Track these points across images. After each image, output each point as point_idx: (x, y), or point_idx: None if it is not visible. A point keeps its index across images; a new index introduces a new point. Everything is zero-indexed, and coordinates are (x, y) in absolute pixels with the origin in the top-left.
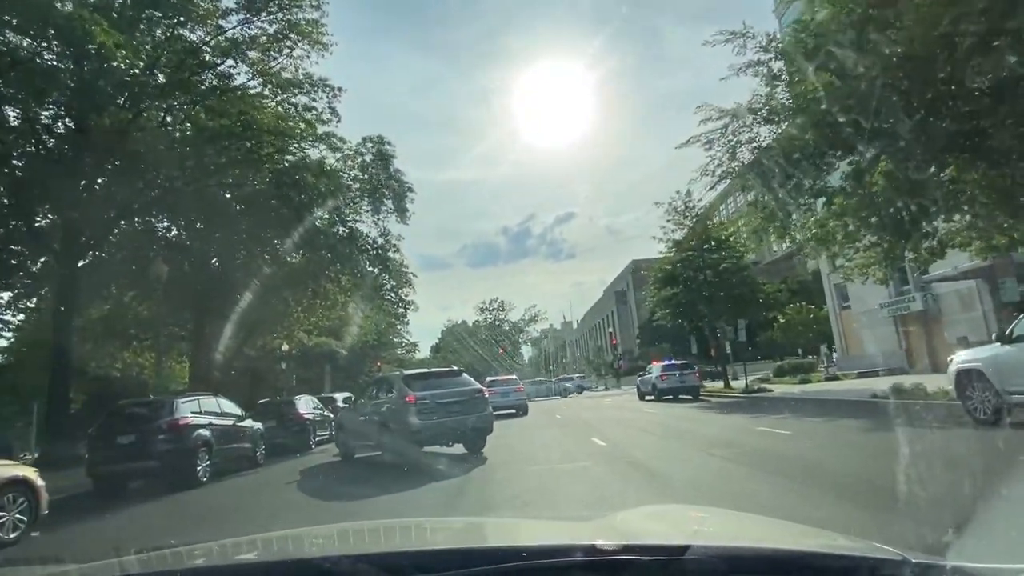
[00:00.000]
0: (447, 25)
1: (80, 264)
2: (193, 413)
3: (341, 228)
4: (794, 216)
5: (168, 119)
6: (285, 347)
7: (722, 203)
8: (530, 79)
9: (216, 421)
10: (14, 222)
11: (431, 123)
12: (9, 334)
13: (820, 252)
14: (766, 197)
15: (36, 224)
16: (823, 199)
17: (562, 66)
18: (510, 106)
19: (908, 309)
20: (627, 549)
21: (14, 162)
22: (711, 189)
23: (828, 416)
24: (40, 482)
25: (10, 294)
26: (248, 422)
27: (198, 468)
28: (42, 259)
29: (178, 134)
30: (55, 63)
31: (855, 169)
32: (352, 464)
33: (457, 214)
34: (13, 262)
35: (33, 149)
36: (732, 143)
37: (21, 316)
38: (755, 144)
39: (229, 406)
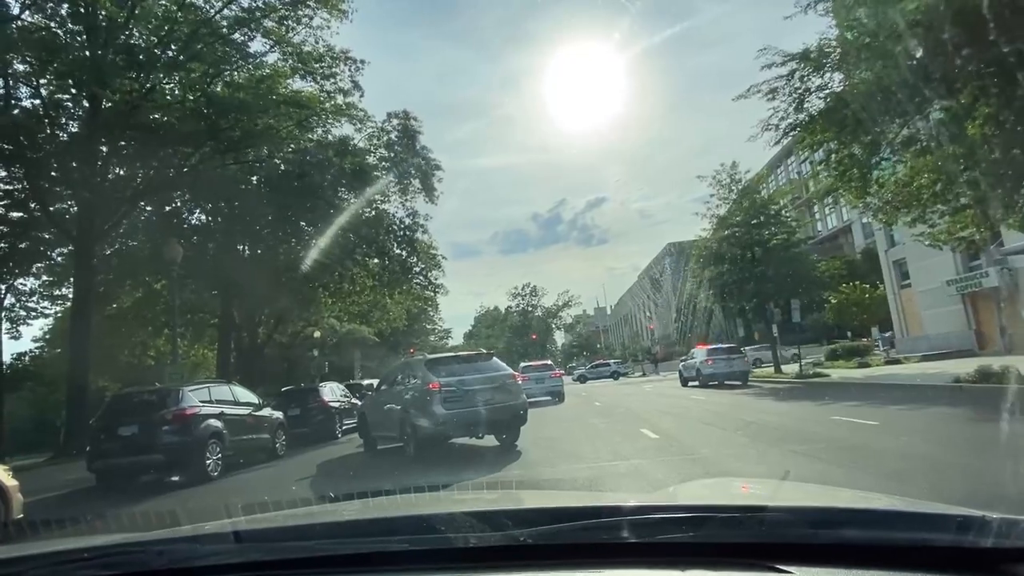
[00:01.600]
0: (472, 10)
1: (97, 247)
2: (202, 402)
3: (367, 209)
4: (873, 174)
5: (179, 93)
6: (316, 334)
7: (771, 174)
8: (558, 61)
9: (229, 410)
10: (32, 205)
11: (459, 110)
12: (41, 322)
13: (896, 217)
14: (843, 151)
15: (52, 208)
16: (908, 152)
17: (591, 47)
18: (538, 90)
19: (980, 286)
20: (708, 508)
21: (29, 147)
22: (775, 144)
23: (912, 404)
24: (10, 483)
25: (36, 281)
26: (266, 411)
27: (207, 461)
28: (61, 248)
29: (191, 106)
30: (64, 35)
31: (952, 112)
32: (374, 457)
33: (487, 201)
34: (34, 248)
35: (48, 131)
36: (799, 91)
37: (54, 307)
38: (828, 91)
39: (244, 394)
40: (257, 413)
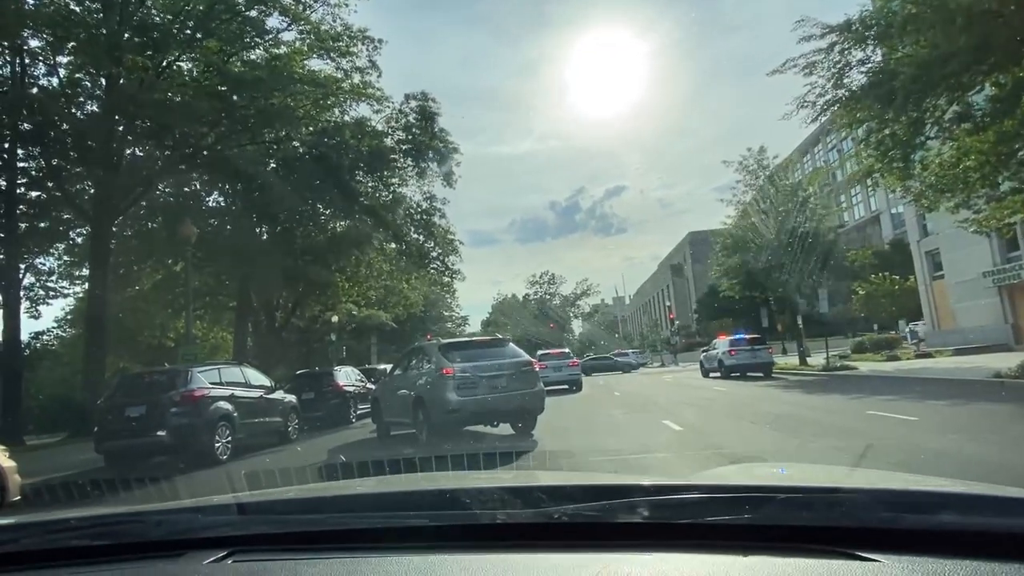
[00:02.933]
0: None
1: (114, 227)
2: (212, 384)
3: (384, 192)
4: (917, 155)
5: (194, 70)
6: (334, 318)
7: (799, 161)
8: (578, 49)
9: (240, 393)
10: (49, 184)
11: (478, 97)
12: (62, 302)
13: (939, 202)
14: (884, 131)
15: (69, 188)
16: (957, 130)
17: (611, 34)
18: (558, 76)
19: (1019, 277)
20: (772, 488)
21: (46, 125)
22: (812, 122)
23: (950, 399)
24: (7, 464)
25: (56, 261)
26: (279, 394)
27: (216, 444)
28: (81, 229)
29: (206, 84)
30: (82, 12)
31: (1013, 84)
32: (386, 443)
33: (505, 189)
34: (54, 228)
35: (66, 109)
36: (839, 65)
37: (73, 287)
38: (870, 65)
39: (256, 376)
40: (269, 396)
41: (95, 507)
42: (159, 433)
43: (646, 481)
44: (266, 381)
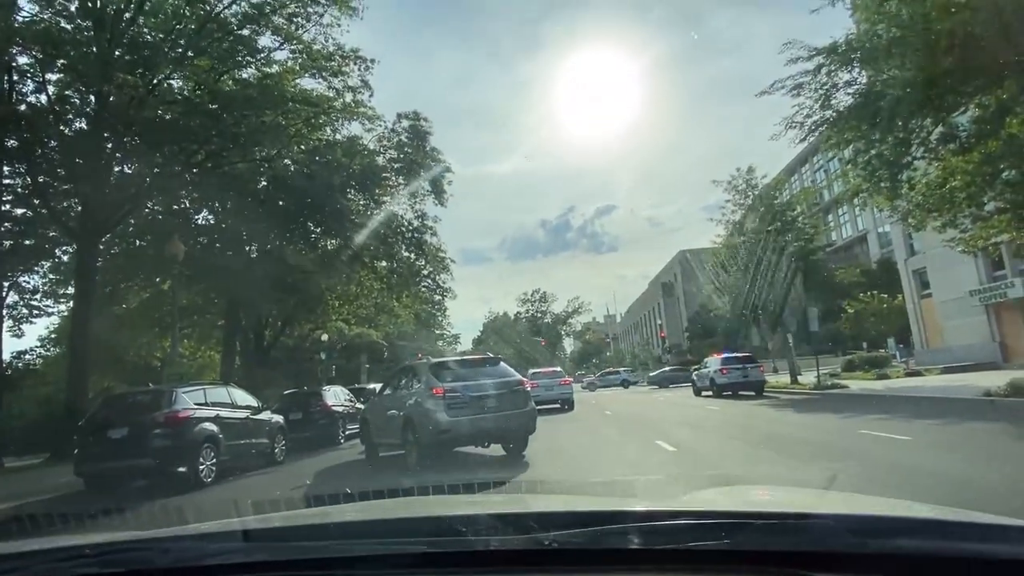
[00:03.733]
0: (486, 15)
1: (101, 245)
2: (197, 404)
3: (375, 210)
4: (903, 175)
5: (184, 88)
6: (324, 337)
7: (787, 180)
8: (570, 69)
9: (225, 413)
10: (36, 201)
11: (470, 116)
12: (46, 321)
13: (927, 221)
14: (871, 151)
15: (55, 205)
16: (943, 150)
17: (603, 55)
18: (549, 96)
19: (1005, 296)
20: (748, 514)
21: (32, 142)
22: (801, 142)
23: (942, 418)
24: None
25: (40, 280)
26: (265, 414)
27: (200, 467)
28: (67, 247)
29: (196, 101)
30: (73, 30)
31: (997, 106)
32: (375, 464)
33: (496, 207)
34: (39, 246)
35: (53, 126)
36: (826, 86)
37: (58, 305)
38: (856, 86)
39: (243, 397)
40: (256, 417)
41: (91, 534)
42: (142, 456)
43: (632, 507)
44: (253, 401)
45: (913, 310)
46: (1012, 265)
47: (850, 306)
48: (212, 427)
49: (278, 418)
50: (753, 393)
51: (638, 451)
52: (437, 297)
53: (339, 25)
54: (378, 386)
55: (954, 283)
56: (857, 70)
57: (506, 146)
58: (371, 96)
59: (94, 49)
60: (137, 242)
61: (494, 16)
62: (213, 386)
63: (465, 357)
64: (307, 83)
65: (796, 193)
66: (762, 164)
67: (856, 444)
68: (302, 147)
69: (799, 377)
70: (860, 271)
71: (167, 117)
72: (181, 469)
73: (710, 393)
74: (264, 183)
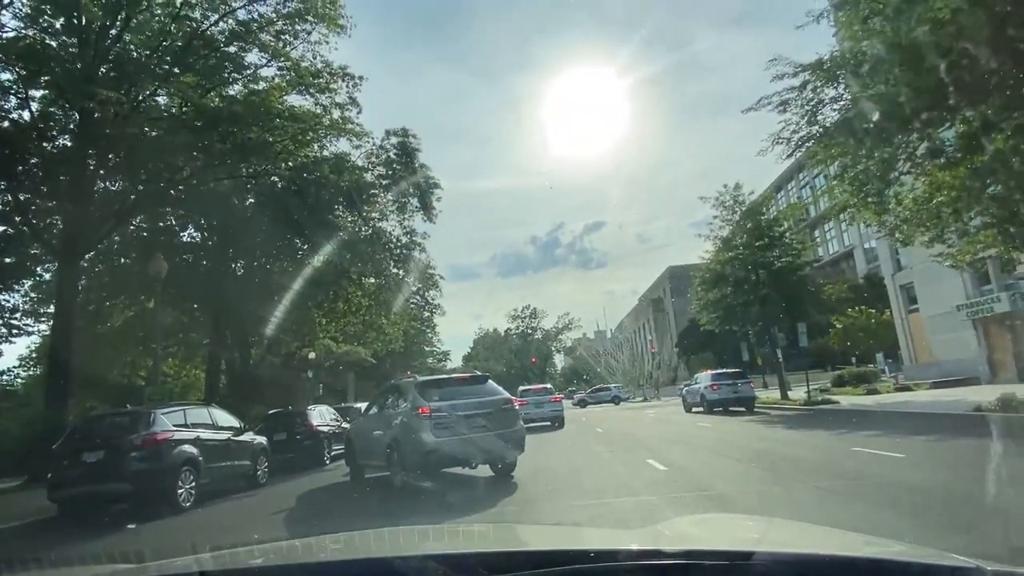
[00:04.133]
0: (476, 34)
1: (83, 263)
2: (177, 426)
3: (364, 227)
4: (891, 190)
5: (170, 104)
6: (311, 355)
7: (775, 196)
8: (559, 87)
9: (206, 435)
10: (17, 218)
11: (460, 133)
12: (26, 340)
13: (914, 236)
14: (858, 166)
15: (36, 222)
16: (930, 165)
17: (591, 73)
18: (538, 114)
19: (991, 311)
20: (691, 554)
21: (14, 159)
22: (788, 157)
23: (934, 434)
24: None
25: (22, 298)
26: (248, 436)
27: (179, 491)
28: (50, 264)
29: (181, 118)
30: (58, 47)
31: (982, 122)
32: (359, 487)
33: (486, 224)
34: (20, 263)
35: (36, 143)
36: (812, 102)
37: (39, 324)
38: (842, 102)
39: (224, 418)
40: (238, 438)
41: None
42: (118, 480)
43: (586, 546)
44: (235, 422)
45: (901, 325)
46: (998, 280)
47: (838, 321)
48: (192, 449)
49: (261, 439)
50: (744, 409)
51: (629, 471)
52: (426, 314)
53: (327, 42)
54: (364, 405)
55: (941, 298)
56: (843, 86)
57: (496, 163)
58: (359, 113)
59: (78, 65)
60: (122, 260)
61: (483, 36)
62: (194, 406)
63: (452, 375)
64: (295, 100)
65: (783, 209)
66: (748, 181)
67: (850, 462)
68: (290, 164)
69: (789, 393)
70: (848, 286)
71: (152, 134)
72: (159, 493)
73: (701, 409)
74: (251, 200)
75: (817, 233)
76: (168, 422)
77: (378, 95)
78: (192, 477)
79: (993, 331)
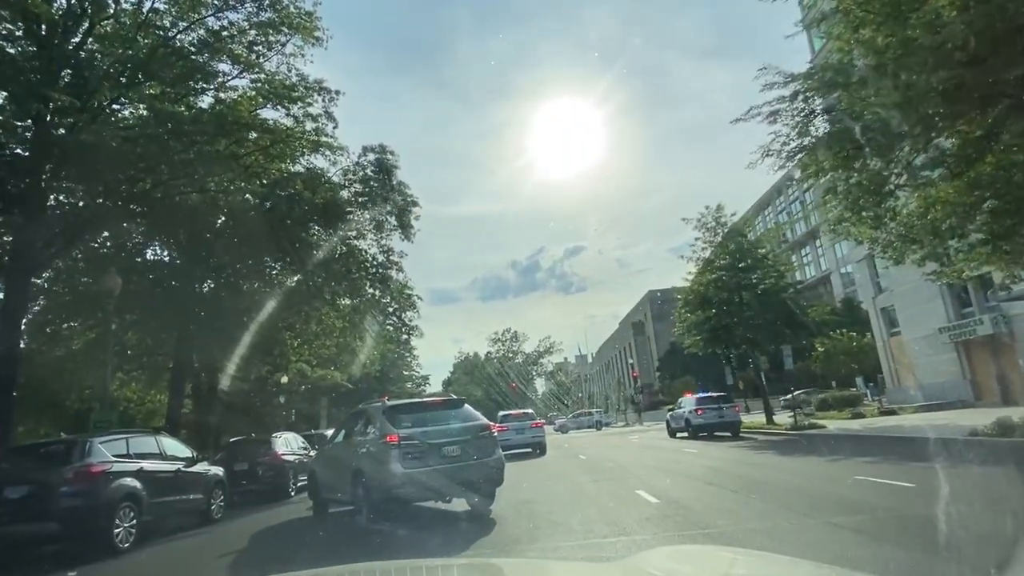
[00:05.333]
0: (457, 63)
1: (32, 279)
2: (117, 456)
3: (339, 245)
4: (887, 203)
5: (131, 111)
6: (284, 379)
7: (757, 217)
8: (539, 115)
9: (151, 466)
10: None
11: (441, 159)
12: None
13: (906, 254)
14: (851, 180)
15: None
16: (930, 176)
17: (570, 101)
18: (518, 141)
19: (974, 333)
20: None
21: None
22: (779, 170)
23: (936, 460)
24: None
25: None
26: (202, 466)
27: (117, 530)
28: None
29: (141, 125)
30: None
31: (985, 131)
32: (322, 524)
33: (466, 248)
34: None
35: None
36: (803, 113)
37: None
38: (835, 112)
39: (175, 447)
40: (189, 469)
41: None
42: (44, 519)
43: None
44: (186, 451)
45: (883, 348)
46: (979, 302)
47: (821, 344)
48: (133, 483)
49: (217, 470)
50: (729, 434)
51: (618, 504)
52: (404, 336)
53: (303, 55)
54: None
55: (923, 321)
56: (835, 96)
57: (476, 188)
58: (335, 128)
59: (36, 64)
60: (83, 279)
61: (464, 63)
62: (139, 435)
63: (424, 399)
64: (268, 114)
65: (763, 233)
66: (727, 205)
67: (856, 493)
68: (264, 181)
69: (774, 416)
70: (830, 310)
71: (112, 144)
72: (92, 534)
73: (685, 434)
74: (223, 218)
75: (795, 258)
76: (107, 452)
77: (358, 119)
78: (132, 514)
79: (976, 354)
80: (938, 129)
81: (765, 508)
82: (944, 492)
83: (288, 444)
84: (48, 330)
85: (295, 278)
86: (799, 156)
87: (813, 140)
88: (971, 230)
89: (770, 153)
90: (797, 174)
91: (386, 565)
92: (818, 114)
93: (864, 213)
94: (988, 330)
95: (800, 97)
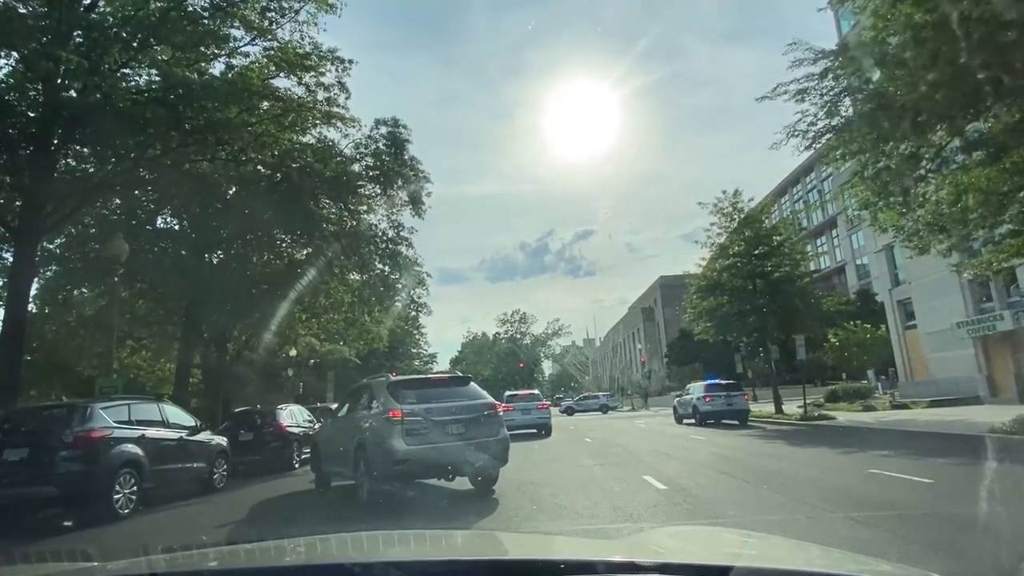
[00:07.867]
0: (471, 40)
1: (42, 244)
2: (119, 423)
3: (349, 219)
4: (917, 188)
5: (140, 75)
6: (293, 352)
7: (774, 204)
8: (553, 96)
9: (153, 433)
10: None
11: (452, 138)
12: None
13: (931, 244)
14: (879, 164)
15: None
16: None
17: (585, 83)
18: (532, 121)
19: (993, 329)
20: (666, 567)
21: None
22: (805, 151)
23: (954, 456)
24: None
25: None
26: (205, 435)
27: (117, 496)
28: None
29: (151, 89)
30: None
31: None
32: (323, 497)
33: (476, 228)
34: None
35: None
36: (834, 92)
37: None
38: (868, 90)
39: (177, 415)
40: (191, 438)
41: None
42: (42, 483)
43: (558, 556)
44: (189, 420)
45: (898, 341)
46: (1000, 297)
47: (834, 335)
48: (134, 449)
49: (220, 440)
50: (737, 422)
51: (624, 489)
52: (412, 313)
53: (315, 23)
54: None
55: (940, 314)
56: (867, 75)
57: (487, 168)
58: (348, 98)
59: (48, 36)
60: (94, 245)
61: (478, 41)
62: (142, 401)
63: (430, 375)
64: (280, 83)
65: (779, 221)
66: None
67: (872, 487)
68: (274, 152)
69: (783, 407)
70: (845, 300)
71: (120, 106)
72: (91, 498)
73: (692, 421)
74: (234, 188)
75: (809, 248)
76: (108, 418)
77: (370, 96)
78: (133, 480)
79: (994, 350)
80: (980, 111)
81: (777, 499)
82: (965, 489)
83: (293, 416)
84: (60, 296)
85: (305, 251)
86: (827, 137)
87: (842, 120)
88: (1003, 220)
89: (796, 133)
90: (823, 156)
91: (389, 534)
92: (849, 93)
93: (892, 199)
94: (1008, 326)
95: (830, 75)
